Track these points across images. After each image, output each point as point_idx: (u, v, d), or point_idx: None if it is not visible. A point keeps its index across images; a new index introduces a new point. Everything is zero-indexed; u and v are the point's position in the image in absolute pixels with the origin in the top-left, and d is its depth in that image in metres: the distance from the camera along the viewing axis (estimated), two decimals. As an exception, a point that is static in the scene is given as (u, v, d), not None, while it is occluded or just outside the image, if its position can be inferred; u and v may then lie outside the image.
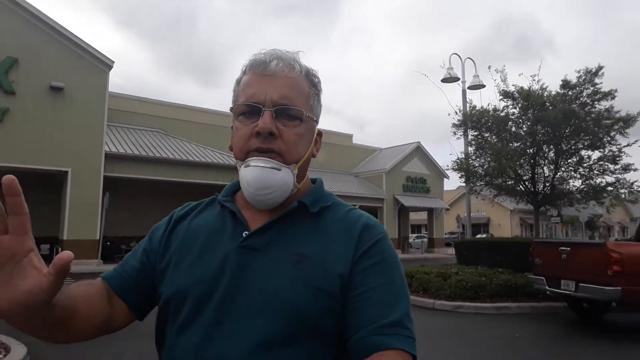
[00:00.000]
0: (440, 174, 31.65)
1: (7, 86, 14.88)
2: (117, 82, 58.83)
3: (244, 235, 0.82)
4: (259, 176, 0.79)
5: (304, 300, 0.75)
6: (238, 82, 0.88)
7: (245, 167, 0.81)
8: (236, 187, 0.93)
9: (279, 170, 0.80)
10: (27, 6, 15.52)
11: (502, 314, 8.01)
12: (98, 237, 16.17)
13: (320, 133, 0.91)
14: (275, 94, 0.81)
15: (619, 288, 6.13)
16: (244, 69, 0.87)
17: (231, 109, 0.87)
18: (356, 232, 0.82)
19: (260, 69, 0.83)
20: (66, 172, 15.91)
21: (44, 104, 15.62)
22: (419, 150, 30.96)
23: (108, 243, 17.24)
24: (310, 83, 0.87)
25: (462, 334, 6.65)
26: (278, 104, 0.80)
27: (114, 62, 17.42)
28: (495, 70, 11.05)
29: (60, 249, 15.09)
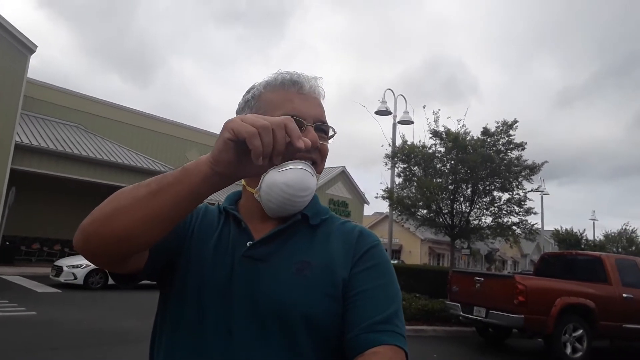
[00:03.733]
0: (362, 199, 32.88)
1: None
2: (32, 63, 53.83)
3: (247, 245, 0.85)
4: (303, 177, 0.80)
5: (312, 307, 0.78)
6: (257, 97, 0.90)
7: (280, 171, 0.78)
8: (238, 197, 0.96)
9: (313, 175, 0.83)
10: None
11: (419, 337, 8.60)
12: (-4, 236, 14.59)
13: None
14: (314, 111, 0.88)
15: (522, 316, 6.96)
16: (265, 85, 0.91)
17: None
18: (353, 239, 0.87)
19: (296, 89, 0.88)
20: (-34, 159, 14.30)
21: (-52, 81, 14.02)
22: (343, 175, 31.91)
23: (7, 243, 15.58)
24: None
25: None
26: (317, 120, 0.88)
27: (37, 46, 16.13)
28: (432, 112, 12.04)
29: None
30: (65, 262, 12.03)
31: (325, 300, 0.79)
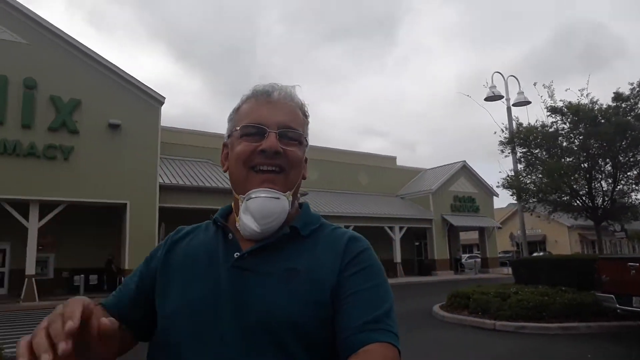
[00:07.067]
0: (489, 192, 30.86)
1: (72, 126, 16.05)
2: (174, 112, 62.19)
3: (235, 255, 0.85)
4: (262, 205, 0.84)
5: (301, 314, 0.78)
6: (236, 110, 0.93)
7: (247, 200, 0.85)
8: (229, 210, 0.97)
9: (278, 198, 0.85)
10: (88, 51, 16.87)
11: (569, 335, 7.66)
12: (155, 266, 16.79)
13: (306, 159, 0.96)
14: (279, 117, 0.87)
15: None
16: (243, 98, 0.93)
17: (229, 136, 0.93)
18: (342, 244, 0.86)
19: (264, 97, 0.90)
20: (125, 204, 16.81)
21: (104, 141, 16.69)
22: (464, 170, 30.42)
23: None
24: (303, 114, 0.93)
25: (530, 357, 6.43)
26: (282, 127, 0.87)
27: (164, 97, 18.47)
28: (543, 86, 10.88)
29: (122, 278, 15.81)
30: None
31: (313, 307, 0.79)
